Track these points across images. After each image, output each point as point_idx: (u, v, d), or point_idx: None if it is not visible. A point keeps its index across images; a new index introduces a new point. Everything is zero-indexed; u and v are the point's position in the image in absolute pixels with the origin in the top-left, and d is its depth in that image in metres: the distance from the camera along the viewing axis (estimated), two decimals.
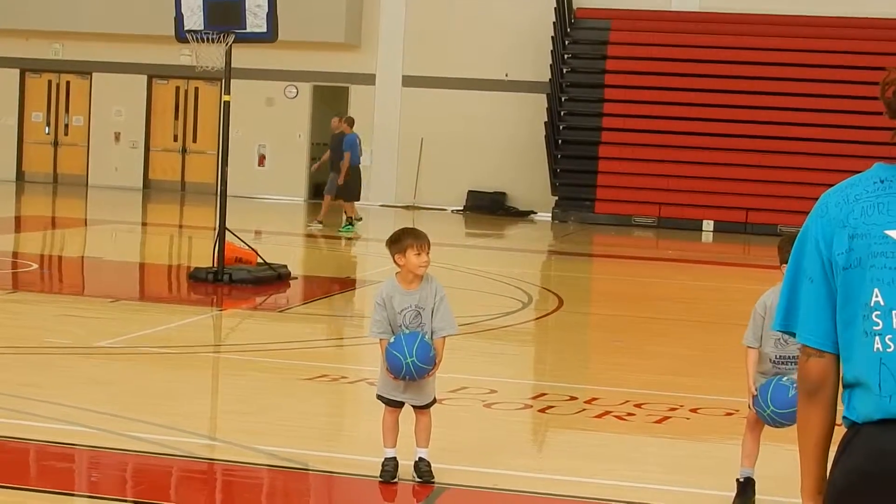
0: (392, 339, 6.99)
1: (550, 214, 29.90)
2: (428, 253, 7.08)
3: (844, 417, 3.13)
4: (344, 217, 24.21)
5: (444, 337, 7.11)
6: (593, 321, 15.38)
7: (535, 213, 30.65)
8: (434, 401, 7.25)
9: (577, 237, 26.60)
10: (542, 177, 30.02)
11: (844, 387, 3.14)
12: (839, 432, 3.18)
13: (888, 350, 3.02)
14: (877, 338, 3.03)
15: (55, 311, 13.47)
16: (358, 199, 24.59)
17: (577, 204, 29.74)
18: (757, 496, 6.92)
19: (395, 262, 7.13)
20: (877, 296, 3.04)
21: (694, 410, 9.48)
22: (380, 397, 7.22)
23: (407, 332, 6.98)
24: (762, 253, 22.80)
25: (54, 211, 28.33)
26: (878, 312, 3.04)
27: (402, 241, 7.07)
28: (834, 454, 3.15)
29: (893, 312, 3.02)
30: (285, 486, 7.51)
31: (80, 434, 8.00)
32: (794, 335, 3.22)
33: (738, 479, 6.96)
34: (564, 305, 15.67)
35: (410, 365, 6.90)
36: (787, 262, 3.30)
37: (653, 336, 13.73)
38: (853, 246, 3.08)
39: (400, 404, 7.18)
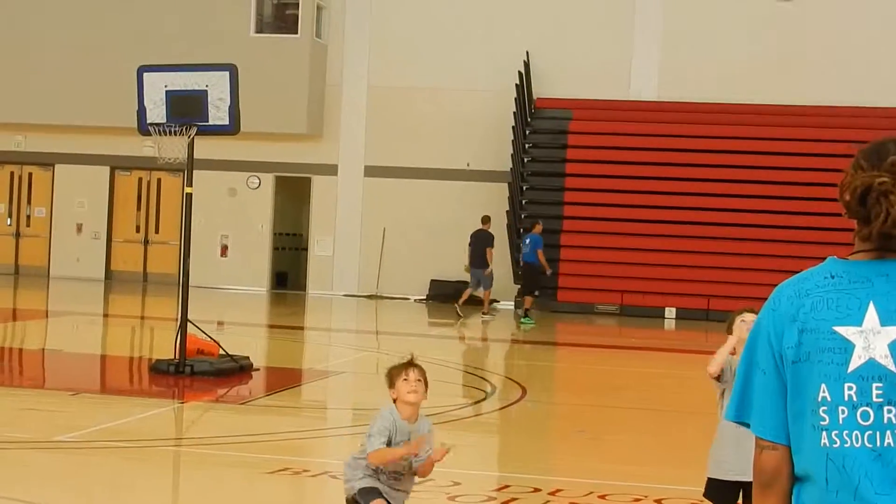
0: None
1: (513, 303, 29.93)
2: (418, 379, 6.97)
3: None
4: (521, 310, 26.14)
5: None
6: (557, 411, 15.36)
7: (498, 301, 30.65)
8: None
9: (540, 326, 26.63)
10: (505, 265, 30.10)
11: (795, 479, 3.16)
12: None
13: (834, 445, 3.05)
14: (823, 433, 3.06)
15: (14, 404, 13.35)
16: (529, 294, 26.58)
17: (539, 292, 29.78)
18: None
19: (392, 398, 7.08)
20: (824, 391, 3.07)
21: (658, 501, 9.46)
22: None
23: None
24: (723, 339, 22.85)
25: (15, 302, 28.13)
26: (825, 408, 3.07)
27: (391, 374, 7.06)
28: None
29: (840, 408, 3.05)
30: None
31: None
32: (748, 426, 3.24)
33: None
34: (528, 395, 15.66)
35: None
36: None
37: (615, 425, 13.72)
38: (802, 340, 3.11)
39: None
